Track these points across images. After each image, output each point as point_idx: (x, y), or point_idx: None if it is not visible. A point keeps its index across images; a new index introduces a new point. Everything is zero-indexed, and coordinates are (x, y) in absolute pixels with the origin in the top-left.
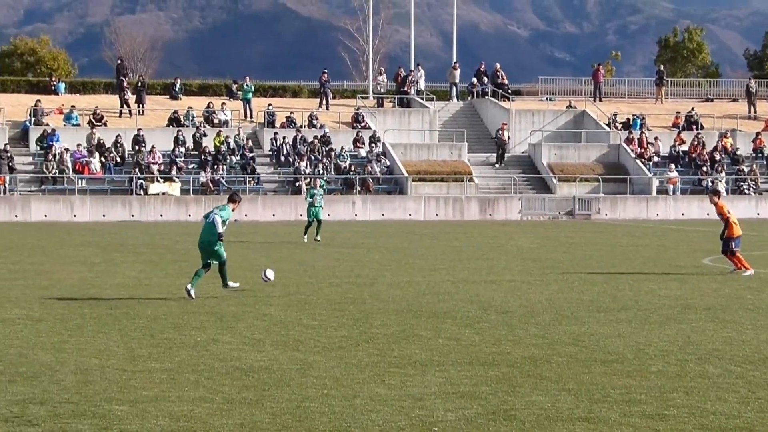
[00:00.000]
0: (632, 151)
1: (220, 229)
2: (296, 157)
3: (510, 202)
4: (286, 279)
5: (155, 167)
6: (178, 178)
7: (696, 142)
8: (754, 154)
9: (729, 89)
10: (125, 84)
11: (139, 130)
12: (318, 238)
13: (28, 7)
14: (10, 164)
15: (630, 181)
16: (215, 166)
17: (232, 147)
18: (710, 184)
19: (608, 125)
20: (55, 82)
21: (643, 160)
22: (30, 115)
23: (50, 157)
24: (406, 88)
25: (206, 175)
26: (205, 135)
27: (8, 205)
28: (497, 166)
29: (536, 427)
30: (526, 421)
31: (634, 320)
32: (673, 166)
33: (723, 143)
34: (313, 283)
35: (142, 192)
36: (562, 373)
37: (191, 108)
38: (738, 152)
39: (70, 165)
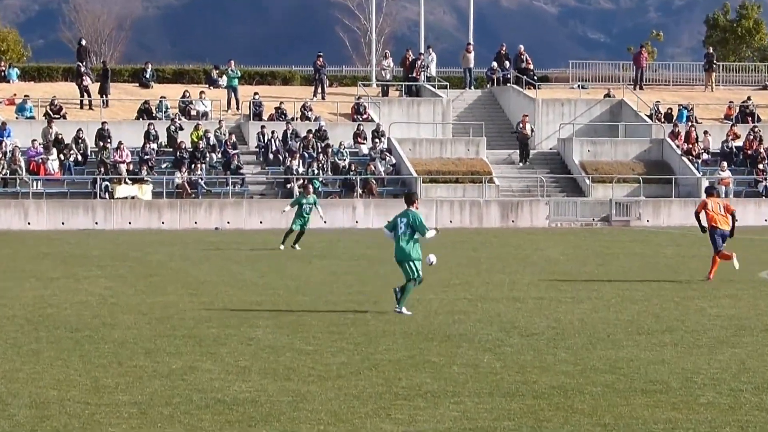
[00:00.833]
0: (678, 147)
1: (427, 229)
2: (287, 155)
3: (536, 207)
4: (276, 296)
5: (123, 167)
6: (149, 179)
7: (752, 137)
8: None
9: None
10: (85, 70)
11: (103, 123)
12: (297, 246)
13: None
14: None
15: (675, 182)
16: (193, 166)
17: (212, 143)
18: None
19: (650, 117)
20: (5, 68)
21: (690, 157)
22: None
23: (0, 156)
24: (414, 74)
25: (182, 175)
26: (180, 129)
27: None
28: (521, 164)
29: None
30: None
31: (680, 344)
32: (725, 164)
33: None
34: (308, 302)
35: (107, 196)
36: (596, 406)
37: (164, 98)
38: None
39: (23, 164)
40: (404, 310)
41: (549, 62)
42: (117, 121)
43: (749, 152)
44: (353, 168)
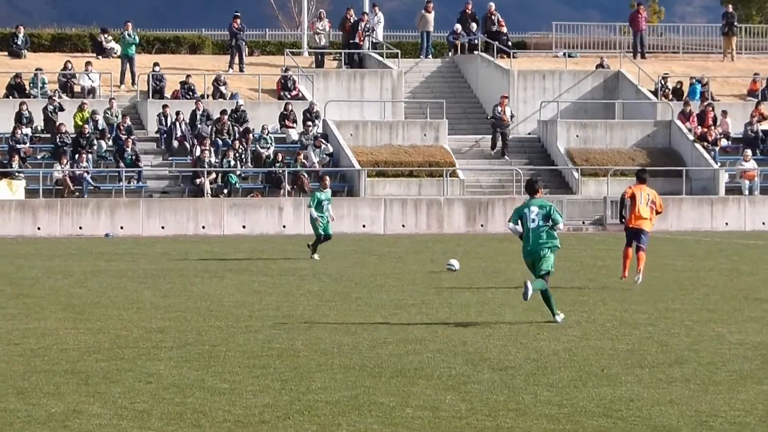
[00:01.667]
0: (690, 131)
1: (560, 221)
2: (195, 142)
3: (510, 207)
4: (182, 322)
5: None
6: (21, 173)
7: None
8: None
9: None
10: None
11: None
12: (316, 256)
13: None
14: None
15: (687, 175)
16: (76, 156)
17: (101, 127)
18: None
19: (654, 93)
20: None
21: (705, 144)
22: None
23: None
24: (357, 40)
25: (63, 168)
26: (61, 109)
27: None
28: (493, 153)
29: None
30: None
31: (693, 379)
32: (749, 152)
33: None
34: (222, 328)
35: None
36: None
37: (41, 70)
38: None
39: None
40: (559, 316)
41: (527, 24)
42: None
43: None
44: (279, 158)
